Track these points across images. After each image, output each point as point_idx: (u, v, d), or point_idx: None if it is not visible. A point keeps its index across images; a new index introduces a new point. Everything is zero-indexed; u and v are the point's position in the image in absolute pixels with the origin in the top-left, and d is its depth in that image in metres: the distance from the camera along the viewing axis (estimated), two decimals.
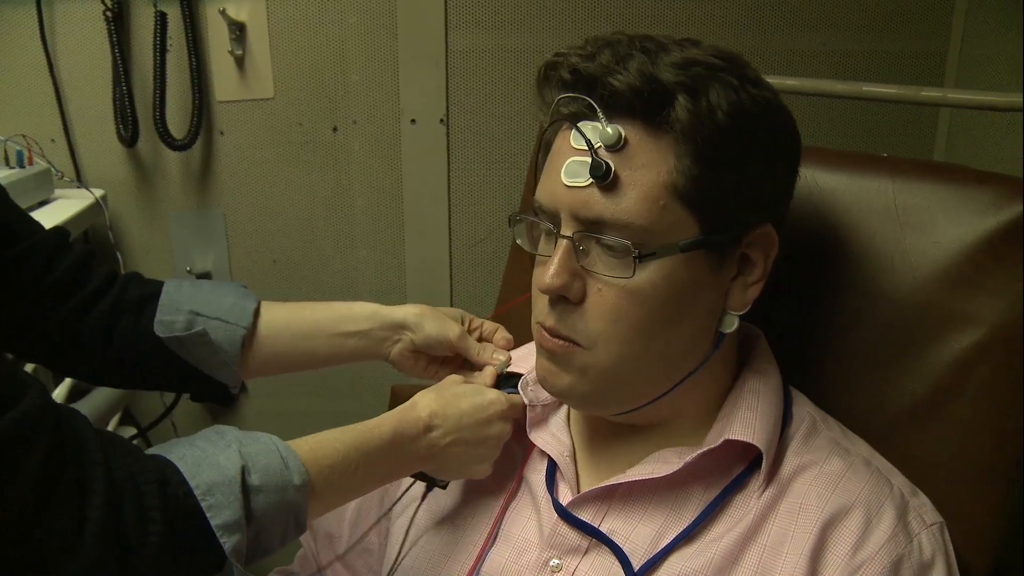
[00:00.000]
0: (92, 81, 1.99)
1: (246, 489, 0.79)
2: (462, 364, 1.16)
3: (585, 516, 0.94)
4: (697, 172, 0.83)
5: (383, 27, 1.96)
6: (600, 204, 0.84)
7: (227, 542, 0.77)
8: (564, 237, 0.87)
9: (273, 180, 2.06)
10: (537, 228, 0.93)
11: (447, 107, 1.99)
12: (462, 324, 1.14)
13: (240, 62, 1.97)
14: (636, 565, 0.89)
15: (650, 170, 0.83)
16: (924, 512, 0.89)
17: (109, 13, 1.90)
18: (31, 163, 1.89)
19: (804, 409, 0.98)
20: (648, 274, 0.85)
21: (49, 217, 1.80)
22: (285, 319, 1.14)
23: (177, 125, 1.96)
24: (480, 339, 1.15)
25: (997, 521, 1.00)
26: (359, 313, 1.13)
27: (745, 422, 0.91)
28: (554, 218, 0.89)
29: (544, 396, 1.04)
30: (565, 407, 1.06)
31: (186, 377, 1.11)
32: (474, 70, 1.98)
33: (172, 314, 1.08)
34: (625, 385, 0.92)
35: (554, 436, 1.02)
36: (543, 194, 0.90)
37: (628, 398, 0.94)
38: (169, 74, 1.93)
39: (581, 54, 0.86)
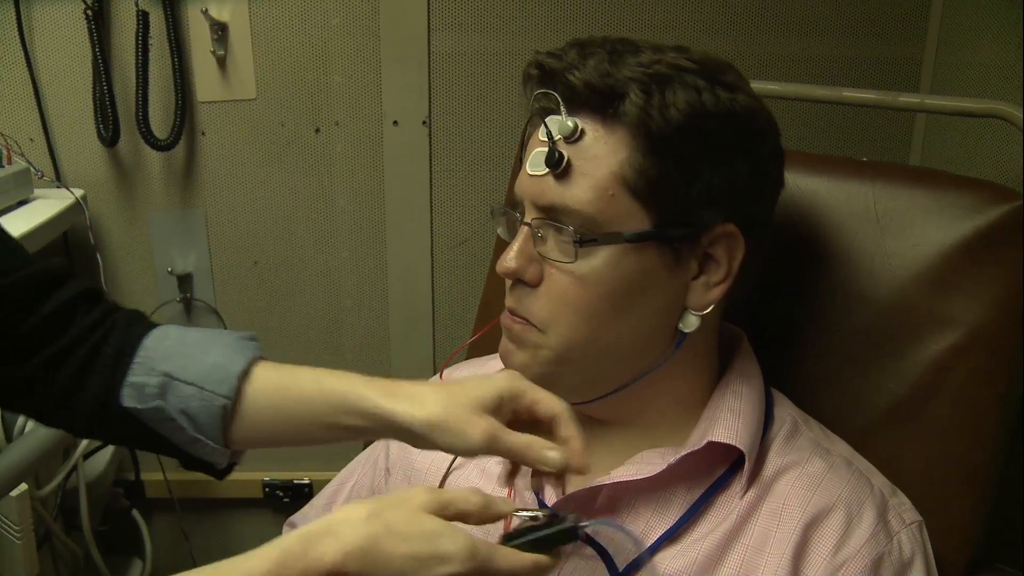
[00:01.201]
0: (71, 80, 1.98)
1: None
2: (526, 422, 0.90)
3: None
4: (647, 165, 0.86)
5: (366, 29, 1.96)
6: (553, 192, 0.89)
7: None
8: (524, 224, 0.92)
9: (255, 181, 2.05)
10: (511, 217, 0.97)
11: (429, 109, 1.99)
12: (499, 409, 0.86)
13: (222, 62, 1.97)
14: (620, 566, 0.90)
15: (602, 161, 0.87)
16: (903, 511, 0.91)
17: (89, 12, 1.89)
18: (10, 162, 1.87)
19: (786, 411, 1.00)
20: (595, 261, 0.88)
21: (29, 217, 1.80)
22: (275, 395, 0.92)
23: (159, 125, 1.95)
24: (532, 420, 0.89)
25: (974, 519, 1.03)
26: (356, 408, 0.88)
27: (727, 424, 0.93)
28: (521, 207, 0.94)
29: None
30: None
31: (167, 446, 0.93)
32: (456, 72, 1.98)
33: (144, 374, 0.91)
34: (576, 370, 0.94)
35: None
36: (515, 184, 0.95)
37: (581, 385, 0.96)
38: (151, 74, 1.92)
39: (551, 52, 0.91)
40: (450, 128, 2.02)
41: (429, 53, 1.96)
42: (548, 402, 0.87)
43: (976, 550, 1.04)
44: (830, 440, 0.98)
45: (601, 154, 0.87)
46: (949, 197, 1.07)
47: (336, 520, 0.71)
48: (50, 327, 0.91)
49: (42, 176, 1.95)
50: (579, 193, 0.87)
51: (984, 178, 1.10)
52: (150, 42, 1.91)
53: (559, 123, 0.88)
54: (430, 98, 1.99)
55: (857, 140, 2.02)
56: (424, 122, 2.00)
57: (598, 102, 0.87)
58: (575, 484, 0.97)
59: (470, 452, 0.83)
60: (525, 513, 0.79)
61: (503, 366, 1.10)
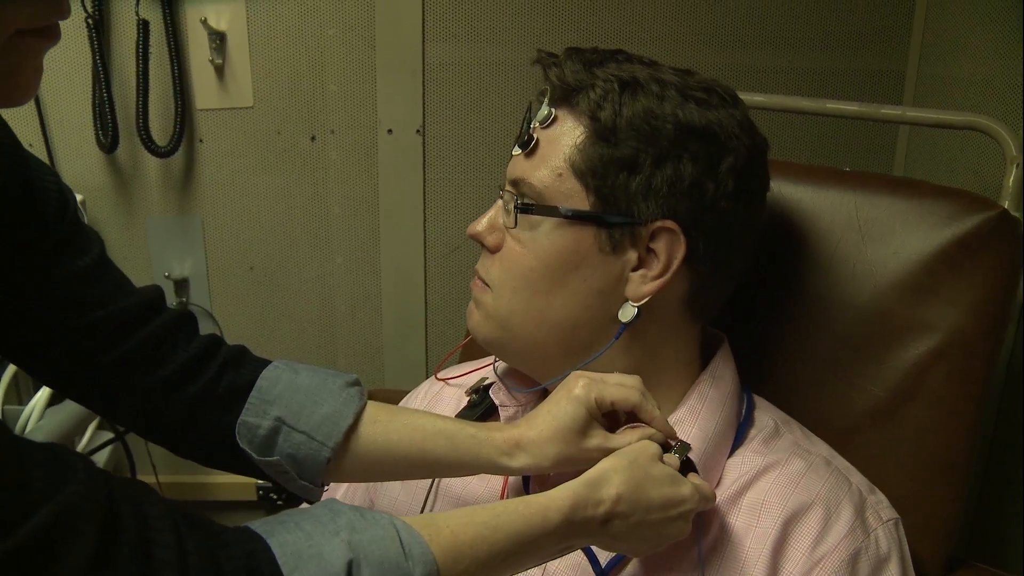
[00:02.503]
0: (71, 87, 2.00)
1: None
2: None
3: None
4: (591, 153, 0.94)
5: (361, 39, 1.99)
6: (521, 168, 0.98)
7: None
8: (500, 197, 1.02)
9: (251, 187, 2.08)
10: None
11: (423, 118, 2.02)
12: (594, 417, 0.92)
13: (220, 71, 2.00)
14: (603, 561, 0.94)
15: (560, 144, 0.96)
16: (881, 509, 0.94)
17: (90, 20, 1.92)
18: None
19: (767, 414, 1.03)
20: (538, 233, 0.96)
21: None
22: (383, 440, 0.97)
23: (157, 132, 1.98)
24: (625, 416, 0.95)
25: (951, 517, 1.06)
26: (480, 461, 0.94)
27: (683, 421, 0.98)
28: (505, 183, 1.03)
29: (520, 396, 1.09)
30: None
31: (262, 476, 0.99)
32: (450, 82, 2.02)
33: (258, 416, 0.96)
34: (518, 338, 1.00)
35: None
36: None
37: (527, 354, 1.02)
38: (150, 81, 1.95)
39: (551, 53, 1.01)
40: (443, 136, 2.05)
41: (423, 63, 1.99)
42: (622, 398, 0.91)
43: (953, 547, 1.07)
44: (810, 441, 1.01)
45: (560, 137, 0.96)
46: (928, 206, 1.11)
47: (607, 469, 0.84)
48: (150, 353, 0.95)
49: None
50: (537, 170, 0.96)
51: (964, 188, 1.13)
52: (150, 50, 1.94)
53: (539, 111, 0.99)
54: (424, 107, 2.02)
55: (841, 150, 2.06)
56: (418, 131, 2.03)
57: (568, 95, 0.96)
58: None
59: (587, 465, 0.87)
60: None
61: (493, 362, 1.14)
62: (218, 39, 1.97)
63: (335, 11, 1.98)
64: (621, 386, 0.92)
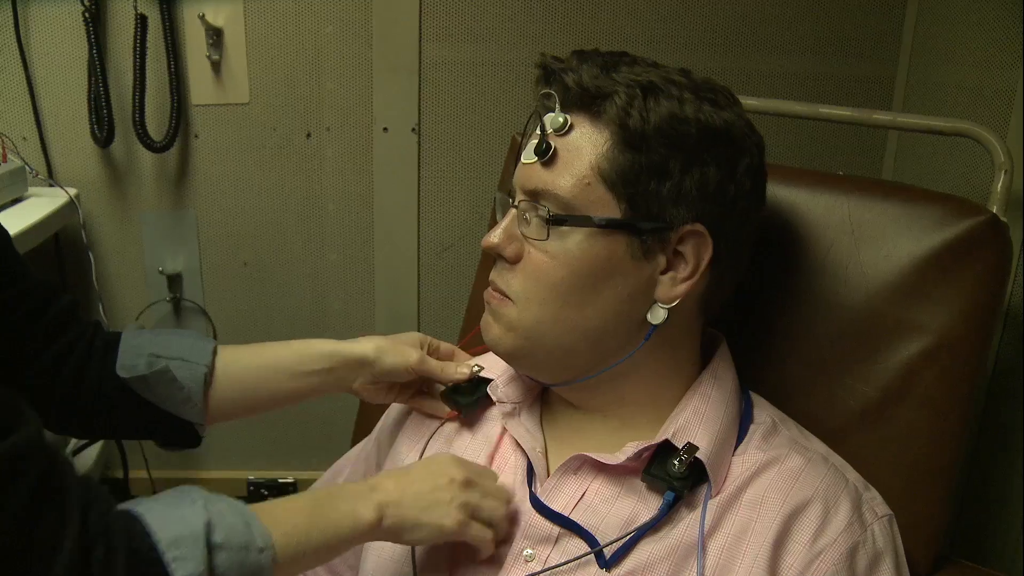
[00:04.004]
0: (66, 80, 2.00)
1: (210, 545, 0.79)
2: (423, 386, 1.20)
3: (556, 507, 1.00)
4: (621, 160, 0.93)
5: (358, 37, 2.00)
6: (539, 177, 0.97)
7: None
8: (513, 206, 1.00)
9: (246, 183, 2.09)
10: (506, 203, 1.04)
11: (419, 116, 2.04)
12: (421, 348, 1.17)
13: (217, 67, 2.00)
14: (607, 553, 0.95)
15: (584, 152, 0.95)
16: (876, 504, 0.96)
17: (87, 13, 1.92)
18: (4, 160, 1.89)
19: (764, 412, 1.05)
20: (568, 243, 0.95)
21: (23, 215, 1.81)
22: (245, 359, 1.15)
23: (154, 127, 1.98)
24: (440, 359, 1.18)
25: (939, 516, 1.08)
26: (319, 351, 1.14)
27: (688, 424, 0.98)
28: (513, 193, 1.02)
29: (514, 395, 1.10)
30: (538, 407, 1.12)
31: (152, 421, 1.11)
32: (446, 81, 2.03)
33: (133, 358, 1.09)
34: (545, 348, 1.00)
35: (528, 432, 1.07)
36: (512, 175, 1.03)
37: (552, 363, 1.02)
38: (147, 76, 1.96)
39: (556, 57, 1.00)
40: (438, 136, 2.07)
41: (420, 62, 2.01)
42: (447, 346, 1.21)
43: (940, 546, 1.09)
44: (807, 438, 1.03)
45: (584, 146, 0.95)
46: (920, 210, 1.12)
47: (376, 482, 0.99)
48: (59, 325, 1.08)
49: (36, 175, 1.97)
50: (560, 180, 0.95)
51: (952, 193, 1.15)
52: (147, 45, 1.94)
53: (552, 118, 0.97)
54: (419, 106, 2.04)
55: (831, 154, 2.09)
56: (413, 129, 2.04)
57: (587, 101, 0.95)
58: (559, 460, 1.03)
59: (407, 367, 1.14)
60: None
61: (490, 358, 1.15)
62: (215, 35, 1.98)
63: (332, 9, 1.99)
64: (448, 344, 1.22)
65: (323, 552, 0.91)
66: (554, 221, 0.95)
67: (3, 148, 1.88)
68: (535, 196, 0.97)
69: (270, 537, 0.84)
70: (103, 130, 1.97)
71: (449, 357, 1.21)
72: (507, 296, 1.00)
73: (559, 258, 0.96)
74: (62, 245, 2.05)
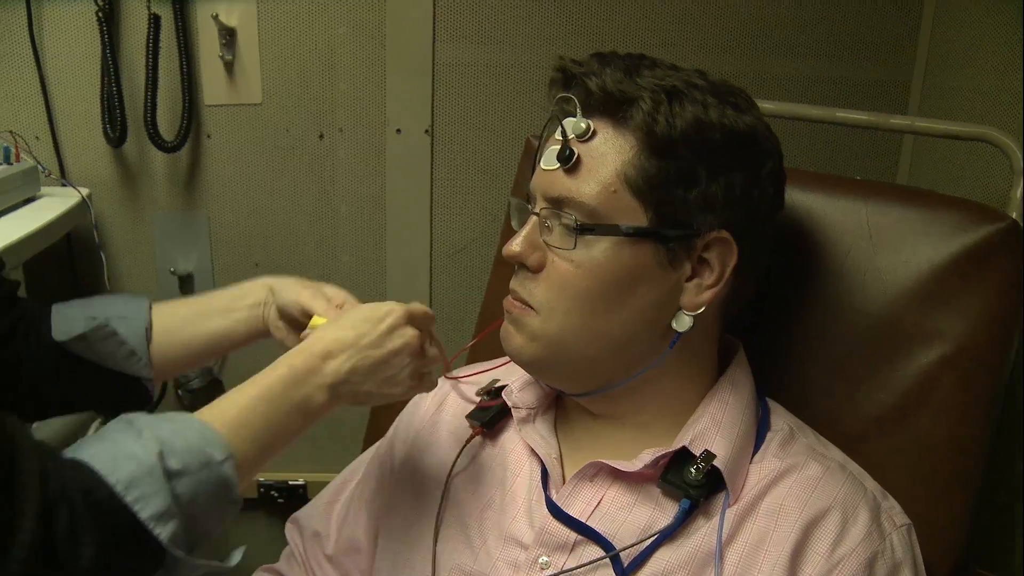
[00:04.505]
0: (79, 80, 2.00)
1: (168, 474, 0.76)
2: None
3: (573, 513, 0.99)
4: (648, 167, 0.92)
5: (371, 38, 1.99)
6: (562, 185, 0.96)
7: (162, 532, 0.75)
8: (533, 213, 0.99)
9: (259, 184, 2.08)
10: (524, 209, 1.03)
11: (432, 118, 2.03)
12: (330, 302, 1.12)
13: (229, 67, 2.00)
14: (624, 560, 0.94)
15: (609, 159, 0.94)
16: (894, 514, 0.96)
17: (101, 13, 1.92)
18: (18, 160, 1.89)
19: (781, 419, 1.04)
20: (593, 252, 0.94)
21: (35, 215, 1.81)
22: (176, 309, 1.16)
23: (166, 127, 1.97)
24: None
25: (958, 524, 1.07)
26: (239, 290, 1.17)
27: (705, 431, 0.98)
28: (532, 199, 1.00)
29: (529, 400, 1.10)
30: (552, 412, 1.11)
31: (99, 384, 1.10)
32: (460, 82, 2.03)
33: (68, 322, 1.08)
34: (569, 358, 0.99)
35: (542, 437, 1.07)
36: (530, 179, 1.02)
37: (576, 373, 1.01)
38: (159, 76, 1.95)
39: (575, 60, 0.98)
40: (452, 137, 2.06)
41: (433, 63, 2.00)
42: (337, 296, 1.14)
43: (960, 555, 1.08)
44: (824, 446, 1.02)
45: (609, 153, 0.94)
46: (939, 216, 1.12)
47: (314, 334, 0.97)
48: None
49: (49, 174, 1.97)
50: (585, 187, 0.94)
51: (970, 197, 1.15)
52: (160, 45, 1.94)
53: (573, 123, 0.96)
54: (433, 107, 2.03)
55: (845, 158, 2.08)
56: (427, 131, 2.04)
57: (611, 106, 0.94)
58: (575, 467, 1.02)
59: (299, 304, 1.10)
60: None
61: (507, 369, 1.14)
62: (228, 35, 1.97)
63: (346, 9, 1.98)
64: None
65: (279, 446, 0.90)
66: (582, 230, 0.94)
67: (16, 148, 1.88)
68: (558, 204, 0.96)
69: (228, 445, 0.82)
70: (116, 130, 1.96)
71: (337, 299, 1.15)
72: (530, 305, 0.99)
73: (585, 267, 0.95)
74: (74, 245, 2.04)
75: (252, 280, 1.18)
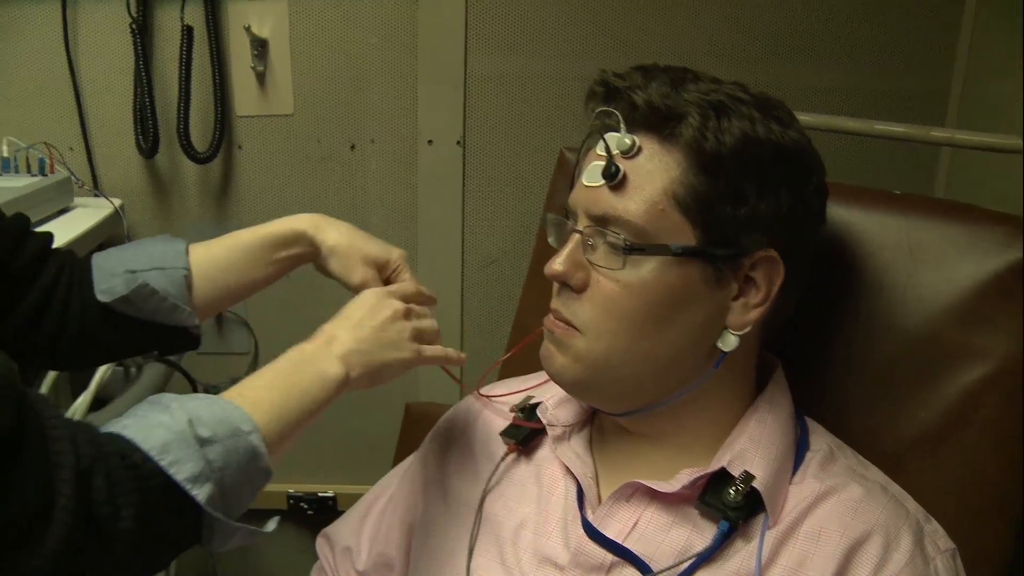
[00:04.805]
0: (112, 91, 2.02)
1: (199, 441, 0.78)
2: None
3: (610, 534, 0.97)
4: (697, 184, 0.90)
5: (403, 48, 1.99)
6: (607, 202, 0.93)
7: (199, 493, 0.76)
8: (576, 231, 0.96)
9: (290, 195, 2.09)
10: (563, 226, 1.01)
11: (464, 129, 2.03)
12: (379, 268, 1.19)
13: (261, 78, 2.01)
14: None
15: (656, 177, 0.91)
16: (938, 538, 0.93)
17: (134, 25, 1.93)
18: (52, 171, 1.91)
19: (821, 438, 1.02)
20: (641, 271, 0.92)
21: (69, 225, 1.82)
22: (215, 251, 1.16)
23: (197, 138, 1.98)
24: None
25: (1004, 548, 1.04)
26: (282, 235, 1.19)
27: (744, 452, 0.95)
28: (573, 216, 0.98)
29: (565, 418, 1.08)
30: (587, 430, 1.09)
31: (145, 334, 1.12)
32: (492, 93, 2.02)
33: (109, 279, 1.08)
34: (614, 379, 0.97)
35: (578, 456, 1.05)
36: (569, 197, 0.99)
37: (618, 394, 0.99)
38: (192, 87, 1.96)
39: (617, 73, 0.96)
40: (484, 148, 2.05)
41: (465, 73, 2.00)
42: (408, 285, 1.16)
43: None
44: (864, 466, 1.00)
45: (655, 170, 0.91)
46: (981, 231, 1.09)
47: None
48: (35, 265, 1.07)
49: (82, 185, 1.98)
50: (631, 205, 0.92)
51: (1010, 212, 1.12)
52: (192, 56, 1.95)
53: (618, 139, 0.93)
54: (465, 118, 2.02)
55: (879, 170, 2.04)
56: (458, 142, 2.03)
57: (657, 121, 0.92)
58: (611, 486, 1.00)
59: (348, 284, 1.17)
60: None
61: (542, 382, 1.13)
62: (260, 46, 1.98)
63: (377, 20, 1.99)
64: (411, 277, 1.19)
65: (304, 420, 0.92)
66: (629, 249, 0.92)
67: (51, 159, 1.90)
68: (603, 222, 0.94)
69: (252, 419, 0.84)
70: (148, 140, 1.98)
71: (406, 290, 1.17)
72: (573, 326, 0.97)
73: (632, 287, 0.93)
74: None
75: (297, 219, 1.20)
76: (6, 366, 0.69)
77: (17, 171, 1.90)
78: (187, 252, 1.13)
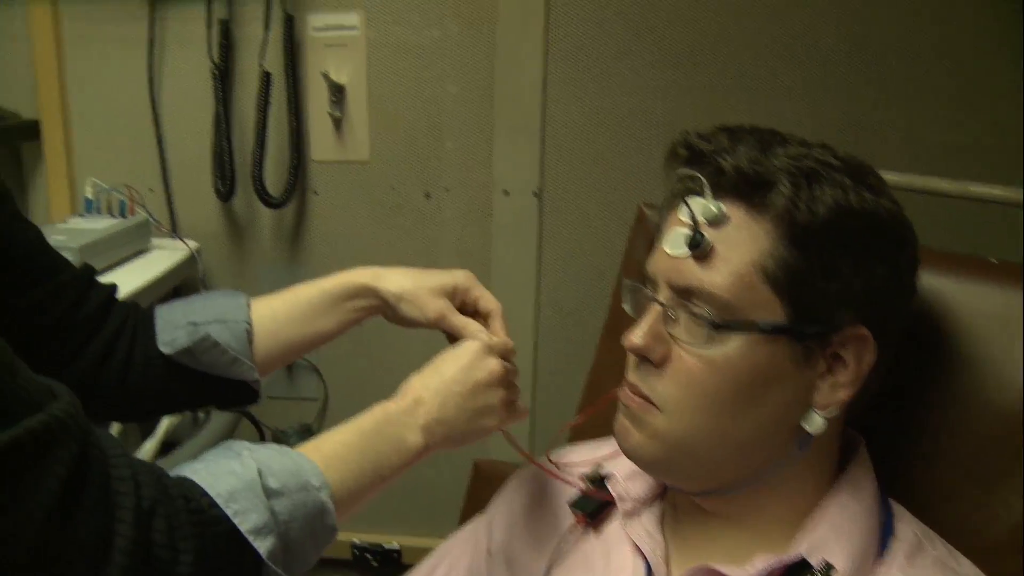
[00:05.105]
0: (192, 134, 2.05)
1: (267, 492, 0.78)
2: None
3: None
4: (788, 258, 0.85)
5: (480, 96, 1.98)
6: (692, 274, 0.88)
7: (261, 546, 0.76)
8: (656, 302, 0.91)
9: (362, 241, 2.09)
10: (641, 293, 0.96)
11: (541, 179, 2.00)
12: (452, 296, 1.14)
13: (338, 124, 2.01)
14: None
15: (744, 248, 0.86)
16: None
17: (216, 71, 1.96)
18: (132, 213, 1.94)
19: (908, 526, 0.96)
20: (726, 348, 0.87)
21: (146, 267, 1.86)
22: (277, 306, 1.14)
23: (273, 182, 2.00)
24: (475, 312, 1.15)
25: None
26: (344, 288, 1.16)
27: (825, 539, 0.90)
28: (653, 285, 0.93)
29: (636, 492, 1.04)
30: (659, 505, 1.05)
31: (206, 387, 1.11)
32: (570, 143, 1.99)
33: (171, 331, 1.08)
34: (692, 459, 0.92)
35: (648, 534, 1.00)
36: (648, 262, 0.95)
37: (697, 474, 0.94)
38: (269, 132, 1.98)
39: (701, 134, 0.91)
40: (561, 199, 2.02)
41: (543, 122, 1.98)
42: (488, 300, 1.14)
43: None
44: (956, 559, 0.93)
45: (744, 241, 0.86)
46: None
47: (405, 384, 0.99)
48: (98, 316, 1.07)
49: (160, 228, 2.01)
50: (717, 278, 0.87)
51: None
52: (270, 101, 1.97)
53: (703, 206, 0.88)
54: (542, 168, 2.00)
55: (965, 233, 1.94)
56: (535, 192, 2.00)
57: (746, 188, 0.87)
58: (682, 567, 0.96)
59: (426, 322, 1.12)
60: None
61: (613, 451, 1.09)
62: (338, 92, 1.99)
63: (455, 68, 1.98)
64: (491, 296, 1.14)
65: (376, 484, 0.91)
66: (716, 326, 0.87)
67: (131, 201, 1.93)
68: (686, 294, 0.89)
69: (323, 475, 0.83)
70: (225, 184, 2.00)
71: (484, 309, 1.15)
72: (651, 402, 0.92)
73: (717, 365, 0.87)
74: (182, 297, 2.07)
75: (355, 273, 1.17)
76: (70, 401, 0.68)
77: (99, 212, 1.93)
78: (249, 306, 1.12)
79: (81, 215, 1.97)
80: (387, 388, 2.11)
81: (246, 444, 0.83)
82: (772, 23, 1.92)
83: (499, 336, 1.09)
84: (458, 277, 1.15)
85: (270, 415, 2.06)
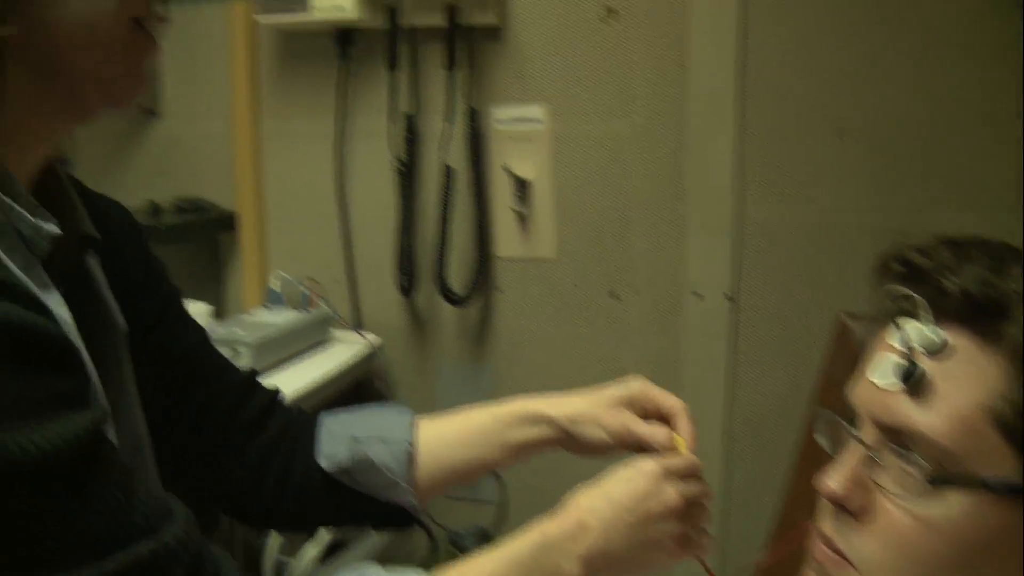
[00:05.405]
0: (376, 227, 2.06)
1: None
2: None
3: None
4: None
5: (670, 192, 1.89)
6: (903, 412, 0.75)
7: None
8: (858, 441, 0.79)
9: (545, 341, 2.02)
10: (840, 428, 0.83)
11: (736, 282, 1.88)
12: (631, 406, 1.06)
13: (522, 219, 1.96)
14: None
15: (970, 386, 0.73)
16: None
17: (402, 167, 1.96)
18: (313, 306, 1.95)
19: None
20: (946, 507, 0.73)
21: (326, 361, 1.88)
22: (443, 429, 1.08)
23: (455, 278, 1.97)
24: (658, 417, 1.06)
25: None
26: (517, 415, 1.06)
27: None
28: (855, 419, 0.81)
29: None
30: None
31: (363, 506, 1.07)
32: (768, 245, 1.86)
33: (333, 444, 1.05)
34: None
35: None
36: (851, 391, 0.82)
37: None
38: (452, 227, 1.96)
39: (920, 248, 0.78)
40: (757, 304, 1.90)
41: (737, 221, 1.86)
42: (669, 400, 1.06)
43: None
44: None
45: (970, 377, 0.74)
46: None
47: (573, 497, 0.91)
48: (258, 421, 1.06)
49: (343, 322, 2.01)
50: (936, 420, 0.73)
51: None
52: (453, 196, 1.95)
53: (920, 332, 0.76)
54: (737, 270, 1.89)
55: None
56: (728, 296, 1.89)
57: (974, 315, 0.74)
58: None
59: (608, 441, 1.02)
60: None
61: None
62: (522, 187, 1.94)
63: (644, 163, 1.90)
64: (671, 395, 1.07)
65: None
66: (936, 482, 0.74)
67: (312, 294, 1.94)
68: (896, 435, 0.76)
69: None
70: (408, 279, 1.99)
71: (669, 421, 1.05)
72: (848, 560, 0.79)
73: (934, 526, 0.74)
74: (361, 392, 2.06)
75: (529, 399, 1.08)
76: (185, 525, 0.68)
77: (284, 303, 1.96)
78: (414, 425, 1.07)
79: (266, 306, 2.00)
80: (565, 490, 2.03)
81: (377, 569, 0.81)
82: None
83: (686, 436, 1.01)
84: (632, 385, 1.08)
85: (445, 514, 2.00)
